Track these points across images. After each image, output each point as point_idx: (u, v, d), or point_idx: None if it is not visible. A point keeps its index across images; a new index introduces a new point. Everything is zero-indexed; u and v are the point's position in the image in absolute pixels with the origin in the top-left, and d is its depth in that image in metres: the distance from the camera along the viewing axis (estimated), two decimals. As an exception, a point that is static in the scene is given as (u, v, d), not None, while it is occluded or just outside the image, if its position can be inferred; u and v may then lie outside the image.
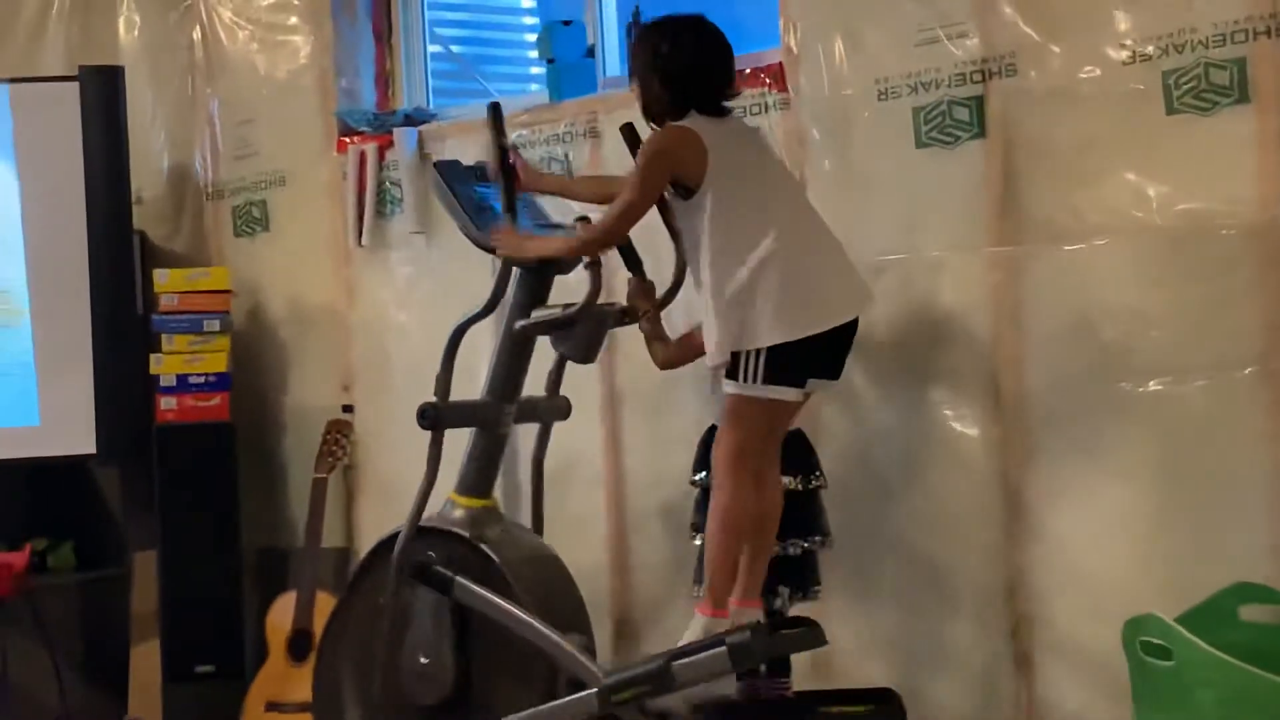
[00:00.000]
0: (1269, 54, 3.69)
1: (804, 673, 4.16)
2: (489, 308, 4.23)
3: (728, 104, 3.84)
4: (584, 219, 4.10)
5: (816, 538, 4.03)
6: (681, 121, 3.77)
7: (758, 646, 3.66)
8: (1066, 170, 3.99)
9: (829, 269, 3.76)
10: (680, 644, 3.76)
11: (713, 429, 3.95)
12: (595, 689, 3.81)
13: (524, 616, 4.00)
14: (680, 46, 3.80)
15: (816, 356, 3.74)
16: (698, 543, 3.98)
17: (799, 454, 4.03)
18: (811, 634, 3.84)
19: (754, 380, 3.68)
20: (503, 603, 4.04)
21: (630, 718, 3.85)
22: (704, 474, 4.02)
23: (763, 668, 3.98)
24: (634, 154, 3.98)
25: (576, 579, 4.34)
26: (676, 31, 3.84)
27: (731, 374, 3.71)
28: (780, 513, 3.88)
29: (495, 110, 4.17)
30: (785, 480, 3.92)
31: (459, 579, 4.10)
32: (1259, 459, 3.72)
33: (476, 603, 4.08)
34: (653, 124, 3.88)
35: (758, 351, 3.67)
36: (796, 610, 4.02)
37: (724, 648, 3.63)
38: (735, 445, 3.75)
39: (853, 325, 3.78)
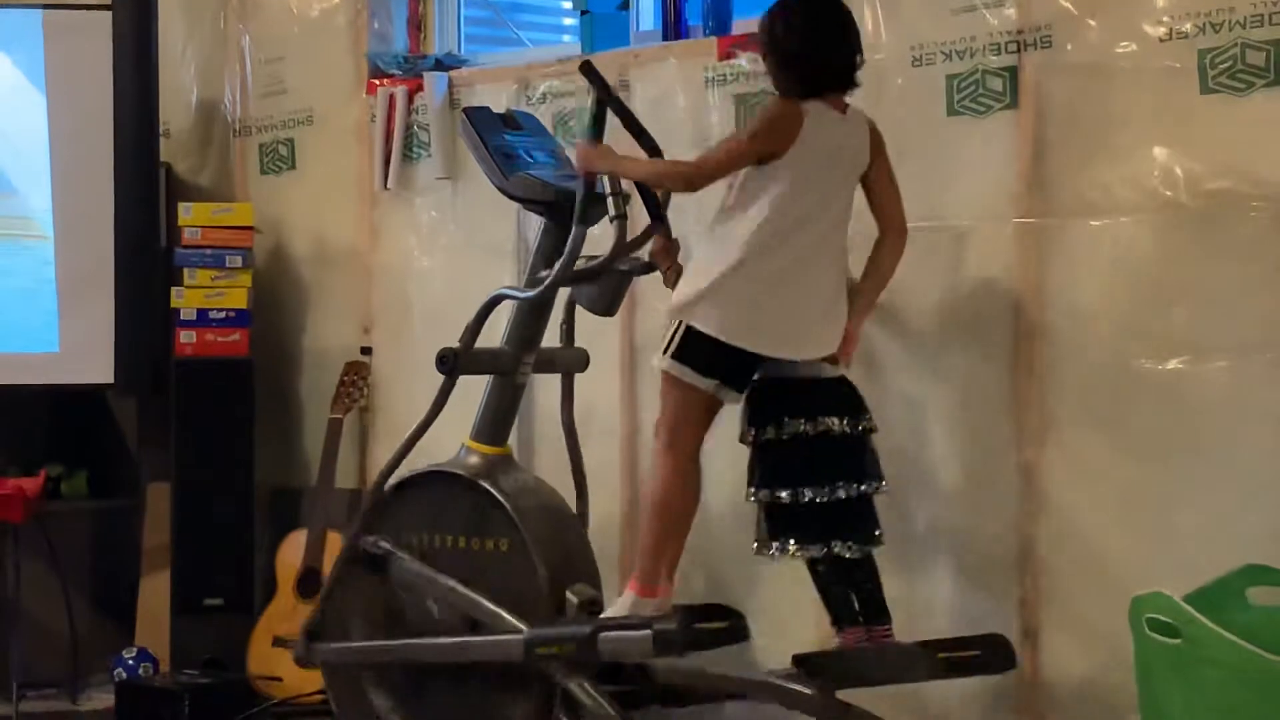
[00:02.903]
0: (1307, 37, 3.69)
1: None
2: (547, 291, 4.19)
3: (851, 86, 3.82)
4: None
5: (873, 483, 3.88)
6: (803, 104, 3.76)
7: (680, 636, 3.69)
8: (1097, 145, 3.98)
9: (798, 309, 3.76)
10: (606, 615, 3.84)
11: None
12: (522, 637, 3.91)
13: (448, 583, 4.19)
14: (792, 28, 3.79)
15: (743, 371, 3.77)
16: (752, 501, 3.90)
17: (847, 399, 3.92)
18: (737, 628, 3.83)
19: (666, 353, 3.76)
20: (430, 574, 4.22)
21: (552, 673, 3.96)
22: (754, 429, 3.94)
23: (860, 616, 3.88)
24: (596, 88, 4.02)
25: (588, 530, 4.37)
26: (790, 11, 3.81)
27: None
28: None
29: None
30: (831, 422, 3.84)
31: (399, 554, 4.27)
32: (1274, 443, 3.73)
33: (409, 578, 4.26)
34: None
35: (685, 326, 3.73)
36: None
37: (649, 632, 3.69)
38: (665, 425, 3.83)
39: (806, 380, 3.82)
